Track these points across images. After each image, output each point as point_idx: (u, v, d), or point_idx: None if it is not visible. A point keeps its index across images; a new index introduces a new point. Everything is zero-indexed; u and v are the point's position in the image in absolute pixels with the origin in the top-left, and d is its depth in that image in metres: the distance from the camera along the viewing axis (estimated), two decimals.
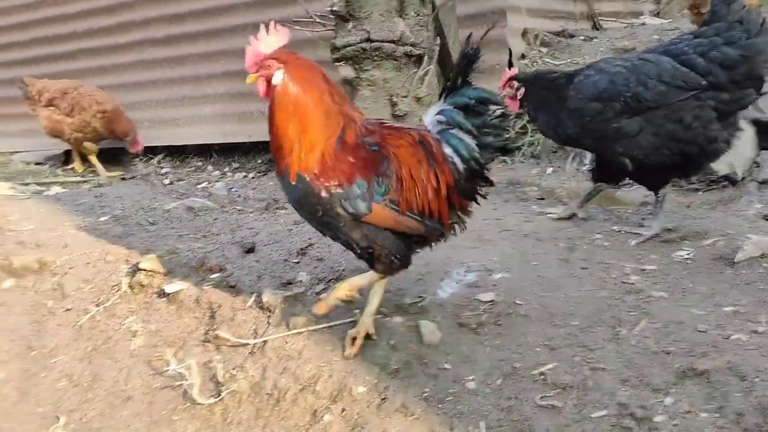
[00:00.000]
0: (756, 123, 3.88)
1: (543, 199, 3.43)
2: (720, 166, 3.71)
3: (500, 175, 4.31)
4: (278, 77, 2.02)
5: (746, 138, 3.79)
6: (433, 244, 2.19)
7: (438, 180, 2.04)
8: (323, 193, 2.00)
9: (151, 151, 6.37)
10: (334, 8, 3.85)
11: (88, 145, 5.86)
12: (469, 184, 2.10)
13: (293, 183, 2.04)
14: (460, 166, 2.05)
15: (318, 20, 4.29)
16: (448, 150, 2.06)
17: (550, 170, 4.34)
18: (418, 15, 3.92)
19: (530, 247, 2.73)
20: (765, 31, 2.54)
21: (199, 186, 5.32)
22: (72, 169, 6.18)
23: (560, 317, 2.21)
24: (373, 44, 3.84)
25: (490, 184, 2.15)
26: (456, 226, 2.18)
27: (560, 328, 2.17)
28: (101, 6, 6.83)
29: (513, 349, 2.12)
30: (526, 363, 2.05)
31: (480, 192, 2.15)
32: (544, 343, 2.12)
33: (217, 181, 5.48)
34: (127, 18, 6.67)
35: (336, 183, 2.00)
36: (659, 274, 2.40)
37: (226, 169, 6.00)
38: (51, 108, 5.77)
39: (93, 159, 5.92)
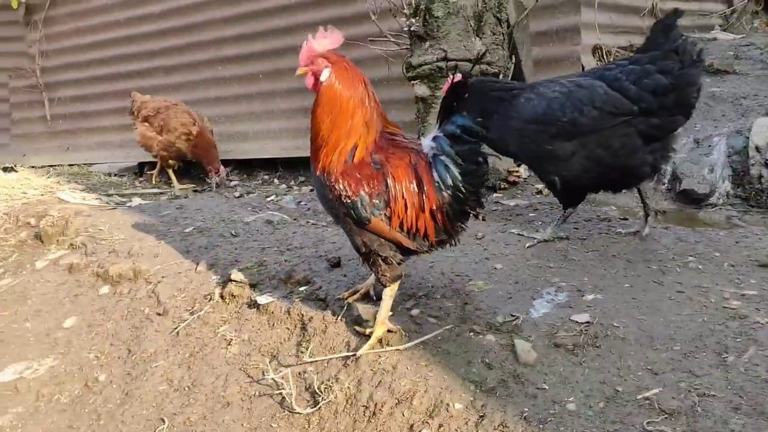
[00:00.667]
0: None
1: (626, 219, 3.38)
2: None
3: None
4: (325, 74, 2.22)
5: None
6: (423, 254, 2.39)
7: (424, 202, 2.20)
8: (338, 195, 2.21)
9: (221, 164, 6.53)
10: (412, 28, 3.90)
11: (171, 162, 6.08)
12: (456, 207, 2.21)
13: (318, 175, 2.27)
14: (445, 192, 2.18)
15: (391, 39, 4.35)
16: (435, 175, 2.20)
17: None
18: (494, 34, 3.94)
19: (621, 268, 2.70)
20: (699, 62, 2.61)
21: (267, 199, 5.43)
22: (148, 180, 6.44)
23: (661, 341, 2.19)
24: (449, 63, 3.88)
25: (480, 206, 2.25)
26: (447, 242, 2.33)
27: (662, 353, 2.14)
28: (177, 26, 7.07)
29: (613, 372, 2.11)
30: (628, 387, 2.03)
31: (470, 213, 2.25)
32: (646, 367, 2.09)
33: (285, 194, 5.58)
34: (201, 38, 6.89)
35: (346, 191, 2.20)
36: (761, 300, 2.34)
37: (292, 183, 6.11)
38: (146, 124, 5.99)
39: (170, 172, 6.12)
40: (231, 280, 2.93)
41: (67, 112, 8.18)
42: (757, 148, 3.71)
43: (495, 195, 4.19)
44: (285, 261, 3.12)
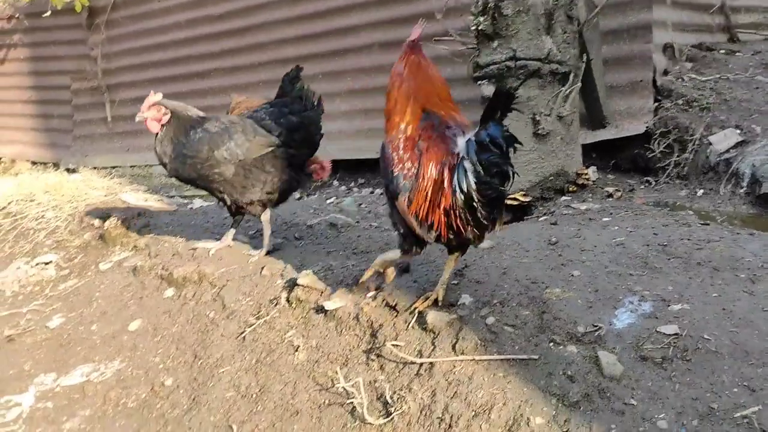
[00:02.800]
0: None
1: (707, 224, 3.22)
2: None
3: (646, 196, 4.12)
4: (397, 64, 2.50)
5: None
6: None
7: (441, 200, 2.22)
8: (384, 165, 2.42)
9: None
10: (480, 27, 3.81)
11: None
12: (469, 213, 2.17)
13: (382, 143, 2.46)
14: (458, 195, 2.15)
15: (457, 38, 4.27)
16: (454, 178, 2.18)
17: (700, 192, 4.10)
18: (565, 32, 3.82)
19: (707, 277, 2.56)
20: (318, 106, 3.34)
21: (328, 201, 5.41)
22: None
23: (757, 356, 2.04)
24: (518, 62, 3.78)
25: (490, 220, 2.19)
26: (463, 244, 2.39)
27: (758, 368, 2.00)
28: (236, 28, 7.15)
29: (706, 387, 1.98)
30: (723, 404, 1.91)
31: (484, 222, 2.19)
32: (741, 383, 1.96)
33: (345, 196, 5.56)
34: (259, 39, 6.95)
35: (390, 164, 2.37)
36: None
37: (352, 185, 6.09)
38: None
39: None
40: (298, 285, 2.89)
41: (128, 114, 8.35)
42: None
43: (564, 198, 4.06)
44: (352, 266, 3.06)
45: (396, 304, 2.64)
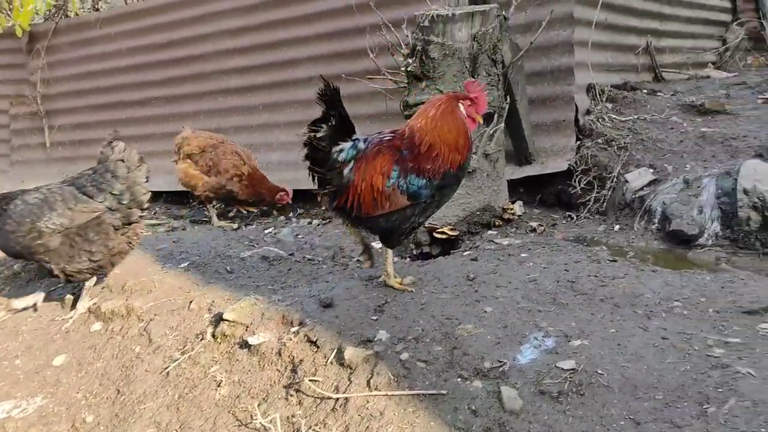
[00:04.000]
0: None
1: (615, 261, 3.43)
2: None
3: (567, 231, 4.34)
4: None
5: None
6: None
7: None
8: None
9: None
10: (409, 68, 3.98)
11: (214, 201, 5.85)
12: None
13: None
14: None
15: (389, 76, 4.43)
16: None
17: (617, 227, 4.34)
18: (489, 75, 4.02)
19: (608, 313, 2.74)
20: (141, 166, 3.37)
21: (266, 231, 5.47)
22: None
23: (644, 390, 2.21)
24: None
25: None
26: None
27: (644, 402, 2.17)
28: (179, 57, 7.20)
29: (596, 420, 2.13)
30: None
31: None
32: (628, 416, 2.12)
33: (283, 226, 5.62)
34: (202, 69, 7.01)
35: None
36: (744, 348, 2.37)
37: (291, 215, 6.16)
38: (188, 161, 5.72)
39: (209, 207, 5.91)
40: (224, 319, 2.96)
41: (67, 140, 8.27)
42: (745, 191, 3.76)
43: (490, 232, 4.23)
44: (279, 300, 3.15)
45: (317, 340, 2.74)
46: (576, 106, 4.93)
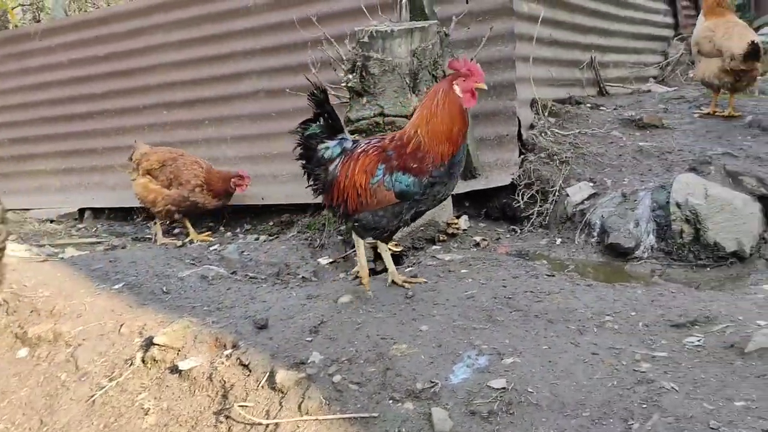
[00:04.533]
0: (761, 199, 3.94)
1: (553, 275, 3.45)
2: (727, 242, 3.76)
3: (511, 245, 4.36)
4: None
5: (753, 214, 3.85)
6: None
7: None
8: None
9: None
10: (350, 84, 3.97)
11: (176, 216, 5.68)
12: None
13: None
14: None
15: (331, 92, 4.40)
16: None
17: (559, 241, 4.39)
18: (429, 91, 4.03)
19: (541, 329, 2.75)
20: None
21: (211, 248, 5.38)
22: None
23: (571, 407, 2.22)
24: (386, 119, 3.95)
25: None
26: None
27: (572, 419, 2.18)
28: (122, 69, 7.05)
29: None
30: None
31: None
32: None
33: (230, 242, 5.53)
34: (147, 82, 6.88)
35: None
36: (670, 362, 2.41)
37: (238, 230, 6.07)
38: (148, 177, 5.58)
39: (157, 225, 5.76)
40: (154, 344, 2.87)
41: (4, 155, 7.99)
42: (678, 205, 3.84)
43: (434, 247, 4.23)
44: (213, 322, 3.08)
45: (249, 363, 2.68)
46: (519, 121, 4.98)
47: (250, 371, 2.64)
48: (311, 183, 3.16)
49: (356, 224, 3.12)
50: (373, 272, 4.24)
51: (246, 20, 6.21)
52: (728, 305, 2.81)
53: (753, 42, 5.05)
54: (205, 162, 5.65)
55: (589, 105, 6.37)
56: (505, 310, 2.95)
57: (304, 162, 3.13)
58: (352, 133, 4.12)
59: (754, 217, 3.84)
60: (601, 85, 7.17)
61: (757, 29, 17.05)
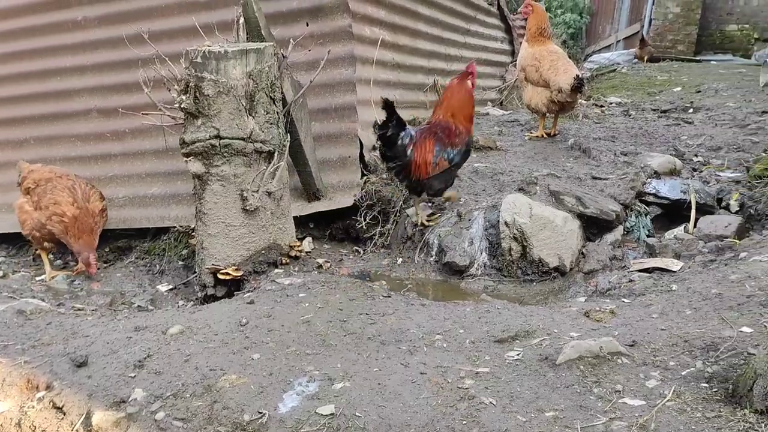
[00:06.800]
0: (580, 216, 4.28)
1: (389, 296, 3.52)
2: (550, 258, 4.04)
3: (353, 266, 4.41)
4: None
5: (572, 231, 4.16)
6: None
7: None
8: None
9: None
10: (183, 105, 3.83)
11: (46, 245, 5.00)
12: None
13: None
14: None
15: (166, 112, 4.24)
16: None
17: (400, 260, 4.49)
18: (267, 113, 3.99)
19: (373, 351, 2.79)
20: None
21: (38, 279, 4.96)
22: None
23: (397, 428, 2.25)
24: (222, 141, 3.86)
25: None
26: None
27: None
28: None
29: None
30: None
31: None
32: None
33: (61, 270, 5.14)
34: None
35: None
36: (491, 377, 2.52)
37: (69, 258, 5.64)
38: (27, 197, 4.95)
39: (44, 255, 5.10)
40: None
41: None
42: (506, 223, 4.08)
43: (276, 271, 4.17)
44: (25, 362, 2.82)
45: (64, 405, 2.48)
46: (361, 143, 5.06)
47: (64, 414, 2.44)
48: (391, 165, 4.36)
49: (427, 185, 4.40)
50: (213, 298, 4.12)
51: (75, 35, 5.83)
52: (545, 319, 3.01)
53: (578, 77, 5.58)
54: (85, 191, 4.92)
55: None
56: (340, 334, 2.96)
57: (386, 151, 4.30)
58: (187, 155, 3.99)
59: (573, 233, 4.16)
60: None
61: (587, 56, 18.76)
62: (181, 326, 3.03)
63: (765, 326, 2.58)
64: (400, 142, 4.24)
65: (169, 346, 2.85)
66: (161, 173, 5.39)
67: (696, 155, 5.58)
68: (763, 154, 5.01)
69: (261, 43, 4.10)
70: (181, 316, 3.27)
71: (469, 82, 4.41)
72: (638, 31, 15.85)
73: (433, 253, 4.38)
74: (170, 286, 4.63)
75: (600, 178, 4.81)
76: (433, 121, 4.44)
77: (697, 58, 14.51)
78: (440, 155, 4.29)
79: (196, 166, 3.96)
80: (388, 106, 4.12)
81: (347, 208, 4.85)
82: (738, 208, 4.44)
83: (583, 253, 4.20)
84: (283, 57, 4.24)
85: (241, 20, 4.24)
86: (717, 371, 2.32)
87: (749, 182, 4.64)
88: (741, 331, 2.56)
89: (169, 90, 4.27)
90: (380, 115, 4.23)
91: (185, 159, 3.99)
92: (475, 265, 4.18)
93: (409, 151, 4.26)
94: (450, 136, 4.33)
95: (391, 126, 4.19)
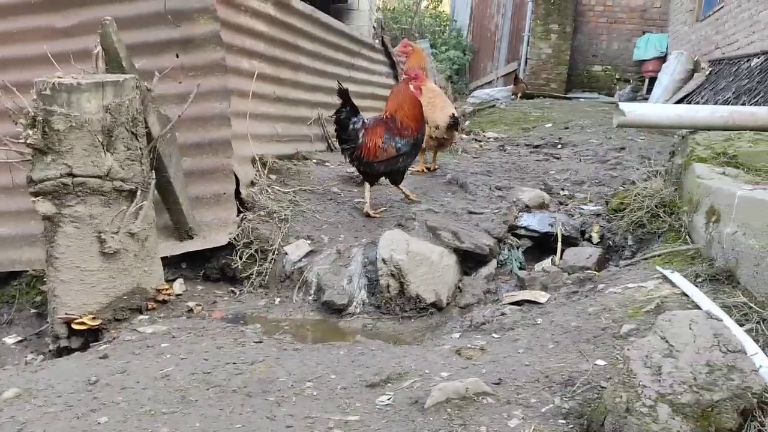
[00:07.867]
0: (456, 251, 4.29)
1: (261, 342, 3.33)
2: (427, 294, 4.00)
3: (228, 308, 4.17)
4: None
5: (449, 266, 4.16)
6: None
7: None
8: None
9: None
10: (30, 140, 3.50)
11: None
12: None
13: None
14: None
15: (12, 148, 3.86)
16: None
17: (278, 300, 4.31)
18: (129, 149, 3.73)
19: (238, 405, 2.58)
20: None
21: None
22: None
23: None
24: (76, 179, 3.55)
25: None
26: None
27: None
28: None
29: None
30: None
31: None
32: None
33: None
34: None
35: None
36: (360, 426, 2.39)
37: None
38: None
39: None
40: None
41: None
42: (384, 260, 4.01)
43: (140, 317, 3.87)
44: None
45: None
46: (237, 179, 4.87)
47: None
48: (344, 147, 4.96)
49: (376, 169, 4.94)
50: (68, 350, 3.76)
51: None
52: (418, 359, 2.93)
53: (453, 115, 5.86)
54: None
55: (315, 161, 6.54)
56: (202, 388, 2.74)
57: (340, 133, 4.96)
58: (35, 195, 3.65)
59: (449, 268, 4.15)
60: (329, 141, 7.43)
61: (471, 91, 19.56)
62: (19, 389, 2.70)
63: (617, 358, 2.63)
64: (351, 126, 4.83)
65: (1, 414, 2.52)
66: (12, 212, 4.92)
67: (562, 189, 5.81)
68: (620, 188, 5.28)
69: (121, 74, 3.84)
70: (21, 376, 2.91)
71: (411, 87, 4.98)
72: (515, 69, 16.66)
73: (312, 291, 4.24)
74: (19, 338, 4.20)
75: (476, 213, 4.87)
76: (382, 116, 4.99)
77: (568, 95, 15.48)
78: (389, 142, 4.83)
79: (45, 206, 3.61)
80: (342, 93, 4.83)
81: (223, 246, 4.62)
82: (599, 240, 4.64)
83: (459, 288, 4.20)
84: (148, 90, 4.00)
85: (100, 50, 3.97)
86: (573, 407, 2.32)
87: (608, 215, 4.86)
88: (596, 364, 2.60)
89: (15, 123, 3.91)
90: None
91: (33, 199, 3.64)
92: (354, 303, 4.07)
93: (360, 135, 4.85)
94: (399, 129, 4.89)
95: (344, 111, 4.85)
